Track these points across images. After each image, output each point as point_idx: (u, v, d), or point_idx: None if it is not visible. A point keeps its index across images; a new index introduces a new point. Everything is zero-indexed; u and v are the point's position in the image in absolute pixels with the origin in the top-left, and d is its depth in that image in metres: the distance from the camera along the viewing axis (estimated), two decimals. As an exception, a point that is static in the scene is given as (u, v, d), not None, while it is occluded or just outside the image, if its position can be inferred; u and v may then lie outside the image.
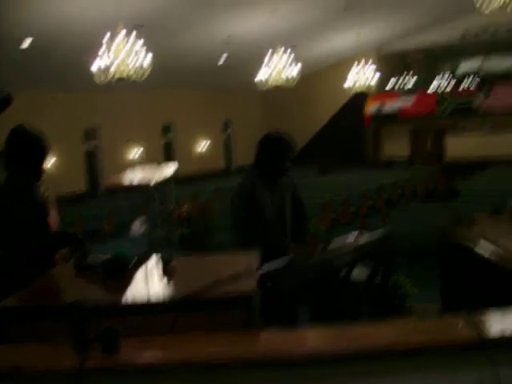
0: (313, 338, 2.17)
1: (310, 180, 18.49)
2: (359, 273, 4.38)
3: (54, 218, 3.77)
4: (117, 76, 11.27)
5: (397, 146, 23.56)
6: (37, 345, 2.19)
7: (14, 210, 3.36)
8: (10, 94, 1.09)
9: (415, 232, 8.54)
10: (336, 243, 4.15)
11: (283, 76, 16.01)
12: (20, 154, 3.54)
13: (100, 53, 11.37)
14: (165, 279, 2.80)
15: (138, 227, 12.57)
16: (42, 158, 3.66)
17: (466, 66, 24.58)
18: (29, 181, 3.56)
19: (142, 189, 7.33)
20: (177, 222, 8.77)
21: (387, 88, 23.60)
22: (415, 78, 23.76)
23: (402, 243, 6.55)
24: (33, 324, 2.39)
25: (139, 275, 2.84)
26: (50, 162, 15.41)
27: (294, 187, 4.46)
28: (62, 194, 10.88)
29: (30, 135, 3.62)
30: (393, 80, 23.71)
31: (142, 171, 7.98)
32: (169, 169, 7.95)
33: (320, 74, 23.48)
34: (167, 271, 2.82)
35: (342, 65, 21.46)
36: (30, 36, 12.61)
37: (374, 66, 20.37)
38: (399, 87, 23.56)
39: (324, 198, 12.04)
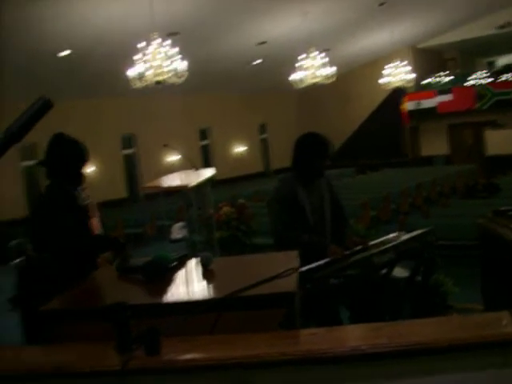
0: (354, 337, 2.16)
1: (348, 180, 18.44)
2: (400, 271, 4.35)
3: (96, 223, 3.84)
4: (154, 80, 11.40)
5: (436, 143, 23.29)
6: (80, 345, 2.23)
7: (58, 216, 3.42)
8: (51, 99, 1.14)
9: (456, 229, 8.44)
10: (376, 242, 4.13)
11: (319, 74, 15.98)
12: (61, 161, 3.62)
13: (136, 59, 11.54)
14: (205, 280, 2.82)
15: (177, 231, 12.68)
16: (82, 164, 3.73)
17: (504, 59, 24.21)
18: (70, 187, 3.64)
19: (180, 193, 7.36)
20: (216, 225, 8.80)
21: (424, 84, 23.36)
22: (452, 73, 23.48)
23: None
24: (77, 325, 2.43)
25: (180, 276, 2.88)
26: (90, 169, 15.68)
27: (330, 187, 4.43)
28: (103, 200, 11.08)
29: (70, 142, 3.70)
30: (430, 76, 23.46)
31: (180, 175, 8.03)
32: (206, 173, 7.97)
33: (355, 73, 23.34)
34: (207, 272, 2.85)
35: (378, 62, 21.33)
36: (67, 47, 12.86)
37: (410, 63, 20.19)
38: (436, 83, 23.29)
39: (361, 199, 11.97)
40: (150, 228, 13.34)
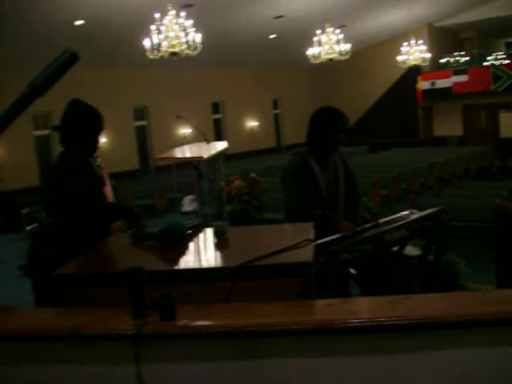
0: (370, 308, 2.15)
1: (361, 158, 18.38)
2: (412, 250, 4.34)
3: (109, 192, 3.82)
4: (169, 51, 11.35)
5: (449, 124, 23.12)
6: (95, 309, 2.24)
7: (73, 182, 3.39)
8: (77, 52, 1.10)
9: (469, 210, 8.39)
10: (388, 219, 4.11)
11: (335, 50, 15.85)
12: (78, 127, 3.57)
13: (151, 30, 11.49)
14: (220, 248, 2.82)
15: (188, 204, 12.70)
16: (98, 132, 3.70)
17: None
18: (85, 154, 3.60)
19: (191, 166, 7.34)
20: (226, 198, 8.79)
21: (440, 63, 23.11)
22: (468, 53, 23.20)
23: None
24: (90, 290, 2.44)
25: (195, 244, 2.88)
26: (103, 139, 15.70)
27: (345, 162, 4.39)
28: (116, 171, 11.09)
29: (88, 109, 3.65)
30: (445, 56, 23.20)
31: (192, 148, 8.01)
32: (219, 146, 7.95)
33: (371, 50, 23.10)
34: (222, 241, 2.84)
35: (394, 40, 21.12)
36: (82, 16, 12.80)
37: (426, 42, 19.98)
38: (452, 63, 23.03)
39: (372, 178, 11.93)
40: (160, 200, 13.35)
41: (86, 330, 2.04)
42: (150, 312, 2.04)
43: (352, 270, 4.06)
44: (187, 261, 2.69)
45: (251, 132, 22.65)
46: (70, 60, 1.14)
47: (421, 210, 4.38)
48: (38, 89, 1.13)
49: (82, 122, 3.58)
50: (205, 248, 2.86)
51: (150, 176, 17.34)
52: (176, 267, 2.57)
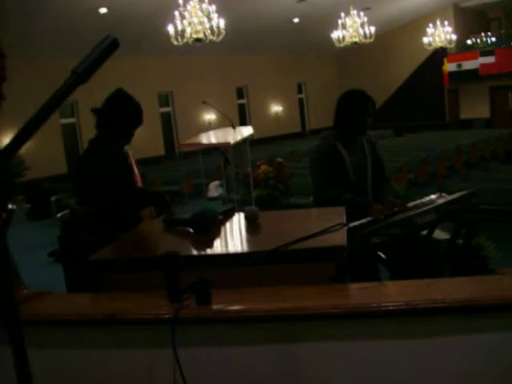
0: (404, 291, 2.14)
1: (386, 141, 18.25)
2: (440, 234, 4.31)
3: (137, 179, 3.83)
4: (193, 37, 11.37)
5: (476, 106, 22.81)
6: (131, 294, 2.26)
7: (106, 169, 3.38)
8: (117, 38, 1.10)
9: (497, 193, 8.30)
10: (417, 203, 4.08)
11: (360, 33, 15.73)
12: (119, 116, 3.55)
13: (175, 17, 11.50)
14: (253, 233, 2.83)
15: (214, 190, 12.76)
16: (136, 124, 3.67)
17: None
18: (119, 143, 3.61)
19: (217, 152, 7.36)
20: (253, 183, 8.79)
21: (467, 45, 22.77)
22: (496, 33, 22.81)
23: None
24: (123, 275, 2.46)
25: (227, 229, 2.89)
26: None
27: (372, 146, 4.36)
28: (141, 157, 11.15)
29: (129, 101, 3.62)
30: (472, 37, 22.85)
31: (217, 134, 8.02)
32: (245, 131, 7.95)
33: (397, 32, 22.83)
34: (254, 225, 2.85)
35: (420, 21, 20.87)
36: (105, 5, 12.84)
37: (452, 23, 19.71)
38: (479, 44, 22.67)
39: (399, 162, 11.84)
40: (186, 186, 13.41)
41: (122, 315, 2.07)
42: (185, 297, 2.07)
43: (381, 254, 4.05)
44: (220, 246, 2.70)
45: (275, 117, 22.58)
46: (112, 45, 1.15)
47: (449, 193, 4.34)
48: (81, 76, 1.14)
49: (122, 112, 3.56)
50: (237, 233, 2.87)
51: (176, 162, 17.40)
52: (209, 252, 2.59)
